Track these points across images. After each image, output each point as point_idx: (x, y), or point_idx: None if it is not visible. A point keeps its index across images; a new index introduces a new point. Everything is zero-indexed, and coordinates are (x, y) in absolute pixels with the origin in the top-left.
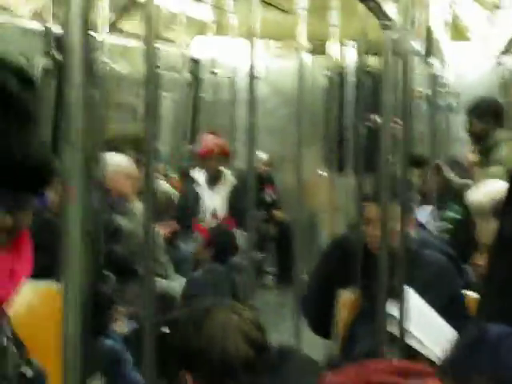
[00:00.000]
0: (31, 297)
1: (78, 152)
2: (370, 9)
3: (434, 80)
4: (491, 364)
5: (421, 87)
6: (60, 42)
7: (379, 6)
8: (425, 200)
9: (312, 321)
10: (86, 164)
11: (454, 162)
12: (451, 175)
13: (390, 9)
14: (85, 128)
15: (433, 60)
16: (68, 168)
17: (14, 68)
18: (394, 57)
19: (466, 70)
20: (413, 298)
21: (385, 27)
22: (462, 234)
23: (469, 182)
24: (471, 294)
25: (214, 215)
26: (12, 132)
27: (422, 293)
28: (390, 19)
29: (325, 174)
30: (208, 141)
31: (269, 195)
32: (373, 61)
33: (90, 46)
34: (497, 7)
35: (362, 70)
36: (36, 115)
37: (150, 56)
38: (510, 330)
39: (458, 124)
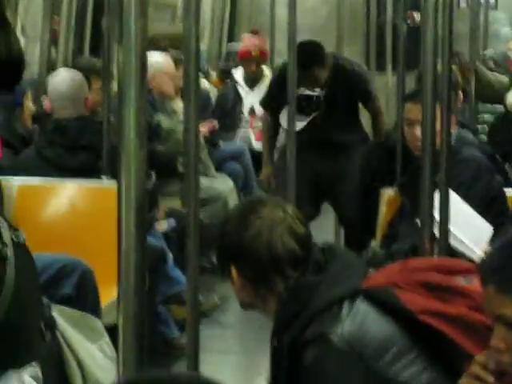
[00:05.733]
0: (74, 195)
1: (134, 46)
2: None
3: None
4: None
5: None
6: None
7: None
8: (465, 98)
9: (355, 218)
10: (140, 58)
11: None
12: (489, 74)
13: None
14: (139, 23)
15: None
16: (124, 70)
17: None
18: None
19: None
20: (452, 197)
21: None
22: (501, 133)
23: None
24: None
25: (252, 113)
26: None
27: (460, 190)
28: None
29: None
30: (247, 41)
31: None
32: None
33: None
34: None
35: None
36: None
37: None
38: None
39: (495, 20)
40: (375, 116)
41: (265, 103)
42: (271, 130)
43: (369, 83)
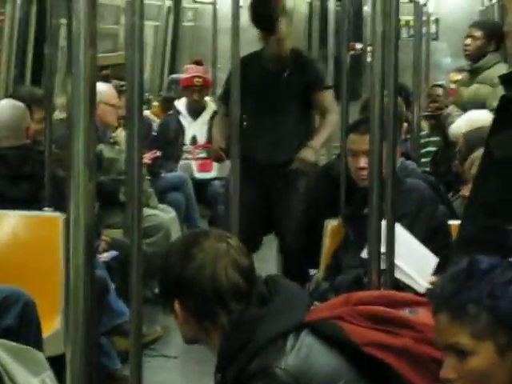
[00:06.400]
0: (16, 226)
1: (83, 75)
2: None
3: (418, 8)
4: (486, 294)
5: (402, 14)
6: None
7: None
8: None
9: (299, 249)
10: (90, 87)
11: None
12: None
13: None
14: (89, 52)
15: None
16: (73, 101)
17: None
18: None
19: None
20: (397, 227)
21: None
22: (443, 164)
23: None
24: (456, 223)
25: (194, 143)
26: None
27: (404, 220)
28: None
29: None
30: (190, 71)
31: None
32: None
33: None
34: None
35: None
36: None
37: None
38: (498, 261)
39: (437, 50)
40: (324, 112)
41: (222, 96)
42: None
43: (324, 74)
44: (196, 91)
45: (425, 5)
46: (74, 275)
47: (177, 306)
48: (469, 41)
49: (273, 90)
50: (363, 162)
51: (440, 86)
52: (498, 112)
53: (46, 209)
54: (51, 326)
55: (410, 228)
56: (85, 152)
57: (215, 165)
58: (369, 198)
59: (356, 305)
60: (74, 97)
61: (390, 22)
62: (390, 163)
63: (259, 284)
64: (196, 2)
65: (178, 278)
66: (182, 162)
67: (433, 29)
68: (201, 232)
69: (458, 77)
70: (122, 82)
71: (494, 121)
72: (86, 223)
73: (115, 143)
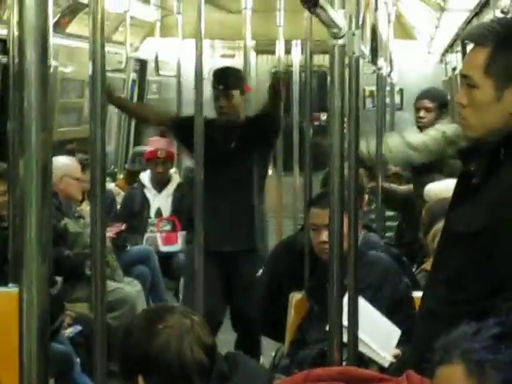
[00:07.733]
0: None
1: (35, 161)
2: (318, 17)
3: (381, 80)
4: (509, 364)
5: (367, 85)
6: (3, 45)
7: (327, 14)
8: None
9: (262, 323)
10: (42, 171)
11: None
12: (392, 186)
13: (338, 14)
14: (41, 136)
15: (379, 59)
16: (24, 176)
17: None
18: (341, 61)
19: (410, 67)
20: (359, 301)
21: (334, 35)
22: (409, 234)
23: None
24: (419, 295)
25: (159, 215)
26: None
27: (367, 293)
28: (338, 27)
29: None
30: (154, 143)
31: None
32: (319, 59)
33: (45, 52)
34: (442, 8)
35: (309, 69)
36: None
37: (97, 57)
38: None
39: (402, 120)
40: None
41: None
42: None
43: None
44: (160, 164)
45: (388, 75)
46: (28, 359)
47: (141, 382)
48: (423, 113)
49: (221, 165)
50: (325, 235)
51: None
52: (456, 186)
53: (11, 285)
54: None
55: (373, 300)
56: (37, 237)
57: (180, 237)
58: (329, 272)
59: (314, 381)
60: (25, 183)
61: (351, 94)
62: (351, 236)
63: (219, 361)
64: (160, 75)
65: (144, 354)
66: (146, 235)
67: (397, 99)
68: (165, 307)
69: None
70: (87, 156)
71: (453, 194)
72: (39, 308)
73: (80, 217)
